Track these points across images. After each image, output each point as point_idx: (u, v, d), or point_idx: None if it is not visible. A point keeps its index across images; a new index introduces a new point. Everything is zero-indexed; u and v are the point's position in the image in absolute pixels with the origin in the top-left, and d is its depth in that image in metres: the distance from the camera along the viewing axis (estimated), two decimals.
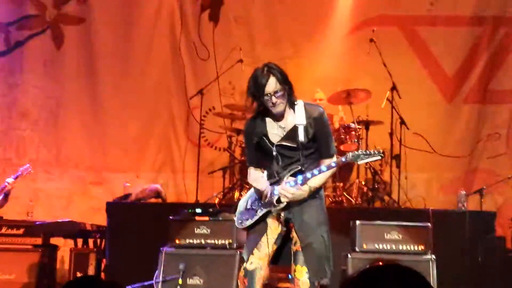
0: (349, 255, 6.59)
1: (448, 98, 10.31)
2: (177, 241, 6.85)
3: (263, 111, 5.08)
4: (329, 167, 4.98)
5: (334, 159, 5.07)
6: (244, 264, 5.13)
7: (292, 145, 5.02)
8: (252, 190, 5.31)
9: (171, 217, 6.97)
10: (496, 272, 7.32)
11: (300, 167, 4.99)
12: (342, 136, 8.70)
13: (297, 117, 5.05)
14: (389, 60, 9.09)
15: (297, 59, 10.16)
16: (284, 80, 4.95)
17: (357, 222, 6.70)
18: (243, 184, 8.72)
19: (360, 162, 5.01)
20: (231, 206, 5.47)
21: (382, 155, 4.99)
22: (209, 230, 6.85)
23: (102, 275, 7.98)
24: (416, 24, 10.45)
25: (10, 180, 8.24)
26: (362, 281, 2.13)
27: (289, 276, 5.15)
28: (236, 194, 8.69)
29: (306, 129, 5.02)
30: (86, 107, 10.70)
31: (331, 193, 8.74)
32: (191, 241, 6.85)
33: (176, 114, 10.73)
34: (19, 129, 10.74)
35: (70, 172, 10.58)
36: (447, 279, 6.57)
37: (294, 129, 5.02)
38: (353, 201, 8.62)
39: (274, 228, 5.14)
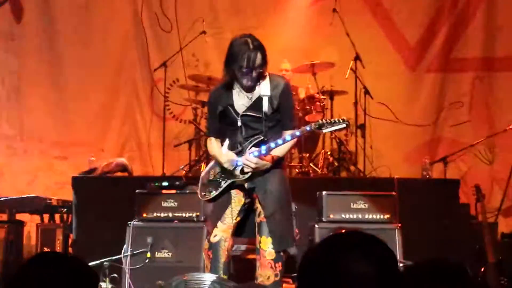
0: (316, 225, 6.63)
1: (411, 67, 10.38)
2: (144, 215, 6.82)
3: (231, 82, 5.07)
4: (293, 136, 5.00)
5: (296, 130, 5.08)
6: (208, 236, 5.15)
7: (257, 115, 5.03)
8: (213, 161, 5.31)
9: (137, 191, 6.95)
10: (460, 239, 7.42)
11: (263, 137, 5.01)
12: (307, 107, 8.72)
13: (262, 88, 5.06)
14: (352, 30, 9.11)
15: (261, 29, 10.08)
16: (265, 56, 4.95)
17: (324, 192, 6.74)
18: (209, 157, 8.71)
19: (325, 130, 5.03)
20: (198, 179, 5.46)
21: (347, 123, 5.01)
22: (176, 203, 6.83)
23: (70, 250, 7.95)
24: None
25: None
26: (323, 249, 2.14)
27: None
28: (203, 167, 8.64)
29: (270, 100, 5.03)
30: (48, 80, 10.57)
31: (297, 164, 8.77)
32: (158, 214, 6.82)
33: (140, 86, 10.66)
34: None
35: (34, 147, 10.48)
36: (413, 246, 6.64)
37: (259, 99, 5.03)
38: (319, 172, 8.67)
39: (238, 200, 5.17)
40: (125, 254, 6.56)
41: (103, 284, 6.45)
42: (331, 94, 9.01)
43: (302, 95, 9.10)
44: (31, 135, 10.52)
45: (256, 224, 5.13)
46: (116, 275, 6.53)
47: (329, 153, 8.97)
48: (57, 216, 8.54)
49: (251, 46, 4.90)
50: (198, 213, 6.71)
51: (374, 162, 9.33)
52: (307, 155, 8.77)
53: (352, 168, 8.98)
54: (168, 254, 6.62)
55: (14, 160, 10.43)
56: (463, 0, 10.29)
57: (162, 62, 9.36)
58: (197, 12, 10.26)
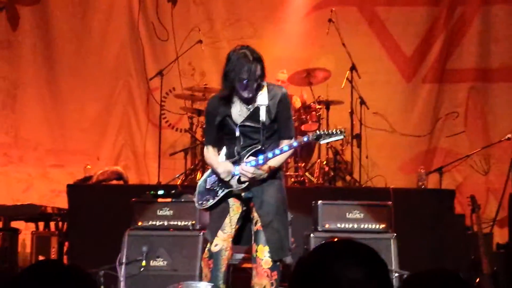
0: (311, 235, 6.63)
1: (407, 78, 10.39)
2: (139, 223, 6.81)
3: (230, 94, 5.08)
4: (290, 147, 5.01)
5: (293, 140, 5.10)
6: (209, 245, 5.14)
7: (255, 125, 5.04)
8: (210, 170, 5.32)
9: (133, 199, 6.94)
10: (456, 249, 7.43)
11: (260, 147, 5.02)
12: (303, 116, 8.74)
13: (260, 98, 5.07)
14: (348, 40, 9.15)
15: (257, 39, 10.13)
16: (264, 67, 4.97)
17: (319, 202, 6.74)
18: (205, 166, 8.71)
19: (322, 141, 5.05)
20: (193, 188, 5.46)
21: (344, 134, 5.04)
22: (171, 212, 6.82)
23: (65, 258, 7.94)
24: (375, 4, 10.48)
25: None
26: (315, 257, 2.16)
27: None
28: (198, 175, 8.66)
29: (268, 110, 5.04)
30: (43, 88, 10.55)
31: (293, 173, 8.78)
32: (153, 222, 6.82)
33: (136, 95, 10.65)
34: None
35: (29, 155, 10.45)
36: (408, 256, 6.65)
37: (257, 109, 5.04)
38: (315, 181, 8.68)
39: (236, 208, 5.17)
40: (120, 262, 6.55)
41: None
42: (327, 104, 9.03)
43: (297, 103, 9.11)
44: (27, 143, 10.50)
45: (253, 232, 5.13)
46: (111, 284, 6.52)
47: (324, 162, 8.98)
48: (52, 224, 8.52)
49: (250, 58, 4.91)
50: (193, 222, 6.70)
51: (370, 172, 9.35)
52: (303, 164, 8.78)
53: (347, 177, 9.00)
54: (164, 263, 6.60)
55: (9, 168, 10.41)
56: (458, 12, 10.32)
57: (158, 71, 9.35)
58: (193, 21, 10.29)
